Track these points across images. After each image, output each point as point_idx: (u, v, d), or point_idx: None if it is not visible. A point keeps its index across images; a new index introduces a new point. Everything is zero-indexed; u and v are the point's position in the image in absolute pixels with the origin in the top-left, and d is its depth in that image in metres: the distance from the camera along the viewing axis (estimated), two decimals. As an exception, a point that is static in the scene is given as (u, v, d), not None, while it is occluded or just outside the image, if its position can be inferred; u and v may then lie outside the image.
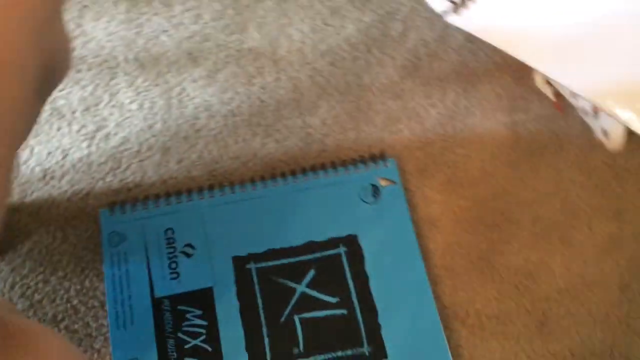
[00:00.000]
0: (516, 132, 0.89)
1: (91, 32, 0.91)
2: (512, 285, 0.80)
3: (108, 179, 0.82)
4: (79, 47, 0.89)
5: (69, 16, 0.91)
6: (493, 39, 0.76)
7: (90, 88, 0.87)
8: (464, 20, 0.76)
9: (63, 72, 0.55)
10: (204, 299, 0.73)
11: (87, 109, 0.86)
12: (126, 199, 0.79)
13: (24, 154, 0.82)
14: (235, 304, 0.73)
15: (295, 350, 0.72)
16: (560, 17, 0.74)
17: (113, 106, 0.86)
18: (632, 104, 0.67)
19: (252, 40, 0.92)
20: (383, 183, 0.82)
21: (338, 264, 0.76)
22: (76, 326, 0.74)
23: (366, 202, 0.80)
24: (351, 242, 0.77)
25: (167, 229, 0.76)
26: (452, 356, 0.74)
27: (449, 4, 0.77)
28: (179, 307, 0.72)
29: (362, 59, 0.91)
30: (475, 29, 0.76)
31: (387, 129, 0.87)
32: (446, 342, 0.74)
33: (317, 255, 0.76)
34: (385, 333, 0.73)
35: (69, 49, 0.56)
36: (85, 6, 0.92)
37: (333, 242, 0.77)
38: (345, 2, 0.95)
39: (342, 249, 0.77)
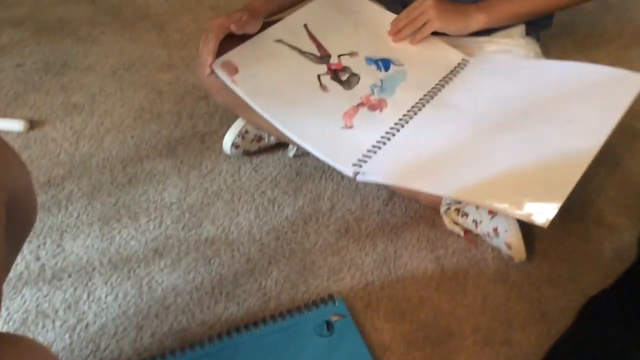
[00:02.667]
0: (440, 264, 1.04)
1: (70, 249, 1.07)
2: (468, 389, 0.87)
3: (88, 360, 0.90)
4: (60, 262, 1.04)
5: (50, 240, 1.08)
6: (393, 180, 0.96)
7: (70, 290, 1.00)
8: (369, 176, 0.97)
9: (28, 212, 0.66)
10: None
11: (68, 307, 0.97)
12: (106, 372, 0.87)
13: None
14: None
15: None
16: (432, 150, 0.96)
17: (91, 301, 0.98)
18: (503, 197, 0.85)
19: (207, 232, 1.09)
20: (334, 318, 0.93)
21: (305, 392, 0.83)
22: None
23: (323, 336, 0.90)
24: (314, 372, 0.85)
25: (146, 389, 0.83)
26: None
27: (356, 167, 0.99)
28: None
29: (301, 230, 1.09)
30: (378, 178, 0.97)
31: (332, 279, 1.01)
32: None
33: (285, 387, 0.83)
34: None
35: (30, 188, 0.65)
36: (64, 231, 1.10)
37: (298, 374, 0.85)
38: (280, 193, 1.17)
39: (307, 379, 0.85)
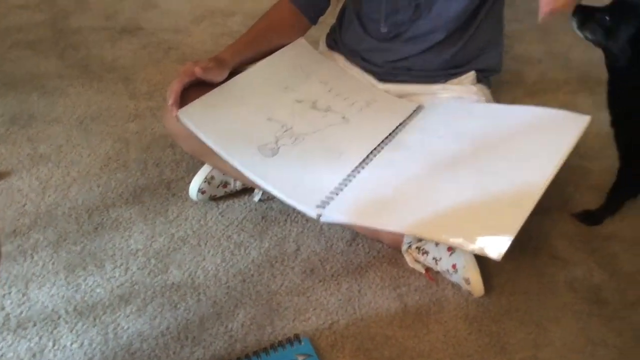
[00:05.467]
0: (403, 302, 1.07)
1: (35, 298, 1.06)
2: (433, 423, 0.89)
3: (53, 409, 0.89)
4: (25, 311, 1.04)
5: (15, 289, 1.07)
6: (356, 220, 1.00)
7: (35, 339, 0.99)
8: (332, 217, 1.00)
9: None
10: None
11: (33, 356, 0.96)
12: (70, 420, 0.86)
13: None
14: None
15: None
16: (391, 190, 1.01)
17: (57, 349, 0.97)
18: (458, 231, 0.89)
19: (173, 277, 1.10)
20: (301, 358, 0.94)
21: None
22: None
23: (289, 376, 0.91)
24: (281, 411, 0.86)
25: None
26: None
27: (319, 209, 1.02)
28: None
29: (267, 272, 1.11)
30: (341, 219, 1.00)
31: (298, 319, 1.03)
32: None
33: None
34: None
35: None
36: (29, 280, 1.09)
37: (265, 414, 0.86)
38: (246, 236, 1.19)
39: (273, 418, 0.85)
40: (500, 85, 1.50)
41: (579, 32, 1.11)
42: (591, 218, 1.22)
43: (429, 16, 1.18)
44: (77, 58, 1.77)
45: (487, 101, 1.26)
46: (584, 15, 1.10)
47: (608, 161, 1.33)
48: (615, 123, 1.15)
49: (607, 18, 1.07)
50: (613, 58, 1.10)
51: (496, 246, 0.85)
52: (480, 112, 1.20)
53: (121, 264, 1.13)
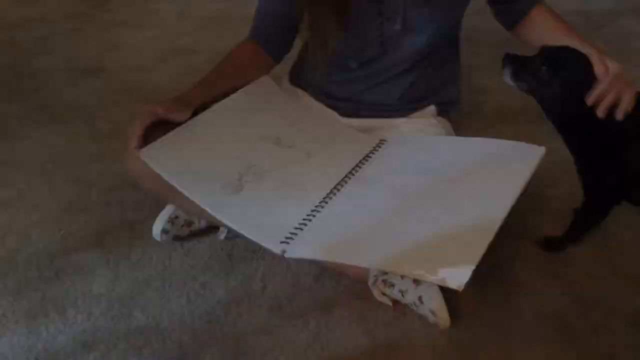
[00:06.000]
0: (372, 337, 1.06)
1: (-6, 349, 1.03)
2: None
3: None
4: (-17, 366, 1.01)
5: (-27, 340, 1.04)
6: (320, 256, 1.00)
7: (-8, 393, 0.96)
8: (297, 253, 1.00)
9: None
10: None
11: (-11, 411, 0.93)
12: None
13: None
14: None
15: None
16: (354, 224, 1.01)
17: (15, 402, 0.94)
18: (420, 263, 0.90)
19: (137, 322, 1.08)
20: (268, 399, 0.93)
21: None
22: None
23: (257, 419, 0.90)
24: None
25: None
26: None
27: (283, 245, 1.02)
28: None
29: (234, 312, 1.10)
30: (306, 254, 1.00)
31: (265, 360, 1.02)
32: None
33: None
34: None
35: None
36: (-13, 329, 1.06)
37: None
38: (212, 276, 1.18)
39: None
40: (460, 116, 1.53)
41: (511, 83, 1.11)
42: (553, 244, 1.24)
43: (395, 51, 1.21)
44: (39, 100, 1.76)
45: (448, 134, 1.29)
46: (517, 66, 1.10)
47: (566, 187, 1.37)
48: (577, 162, 1.17)
49: (544, 68, 1.07)
50: (548, 106, 1.11)
51: (457, 277, 0.86)
52: (440, 145, 1.22)
53: (84, 310, 1.10)
